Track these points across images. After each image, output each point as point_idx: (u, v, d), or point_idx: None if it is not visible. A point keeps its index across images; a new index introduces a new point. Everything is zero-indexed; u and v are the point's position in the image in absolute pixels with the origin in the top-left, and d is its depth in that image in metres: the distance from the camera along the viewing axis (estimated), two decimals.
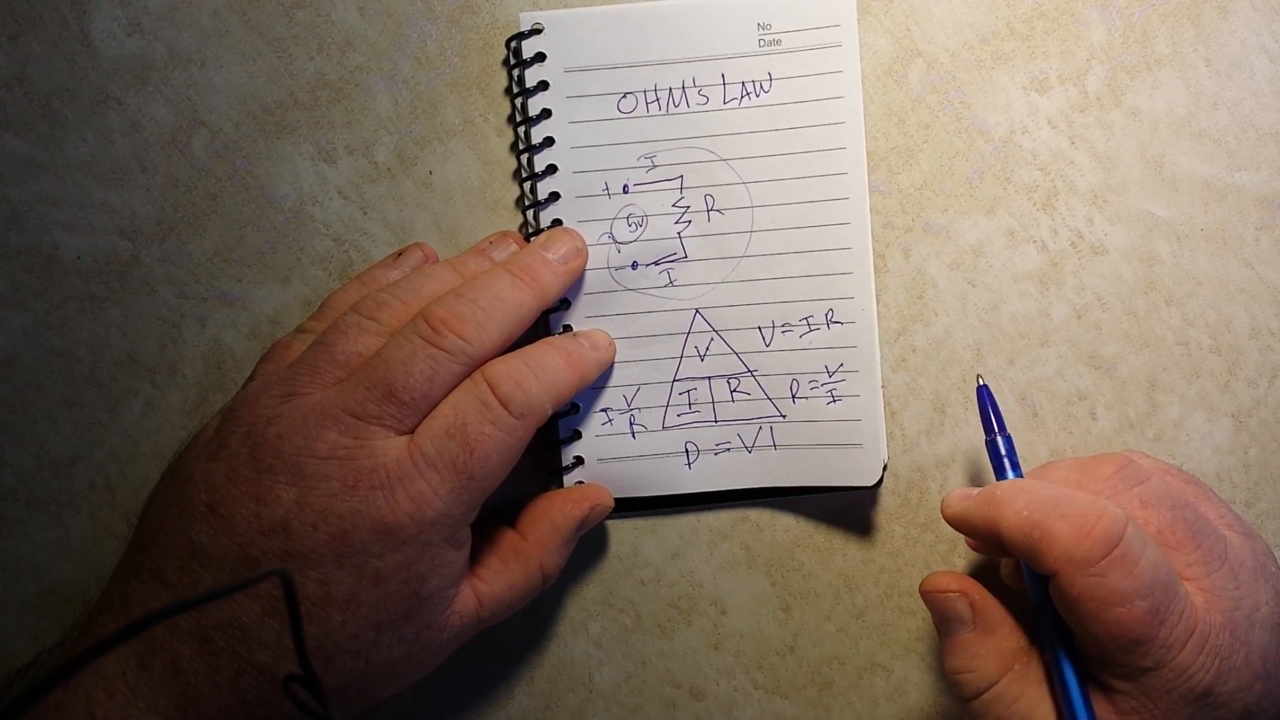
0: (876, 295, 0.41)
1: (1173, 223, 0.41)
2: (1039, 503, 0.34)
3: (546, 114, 0.40)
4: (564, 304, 0.41)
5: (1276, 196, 0.41)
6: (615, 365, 0.41)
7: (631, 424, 0.41)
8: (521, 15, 0.40)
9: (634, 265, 0.41)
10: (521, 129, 0.40)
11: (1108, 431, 0.41)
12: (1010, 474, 0.38)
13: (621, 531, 0.42)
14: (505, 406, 0.35)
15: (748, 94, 0.40)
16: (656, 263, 0.40)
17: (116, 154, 0.41)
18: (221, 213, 0.41)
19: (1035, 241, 0.41)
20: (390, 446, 0.34)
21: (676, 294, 0.41)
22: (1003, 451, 0.38)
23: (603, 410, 0.41)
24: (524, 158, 0.41)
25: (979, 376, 0.40)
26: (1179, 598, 0.32)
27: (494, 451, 0.35)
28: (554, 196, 0.40)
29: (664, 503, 0.42)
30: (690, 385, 0.41)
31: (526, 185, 0.41)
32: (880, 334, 0.41)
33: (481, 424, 0.35)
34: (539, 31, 0.40)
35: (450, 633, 0.36)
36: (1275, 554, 0.36)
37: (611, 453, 0.41)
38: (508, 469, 0.36)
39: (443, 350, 0.35)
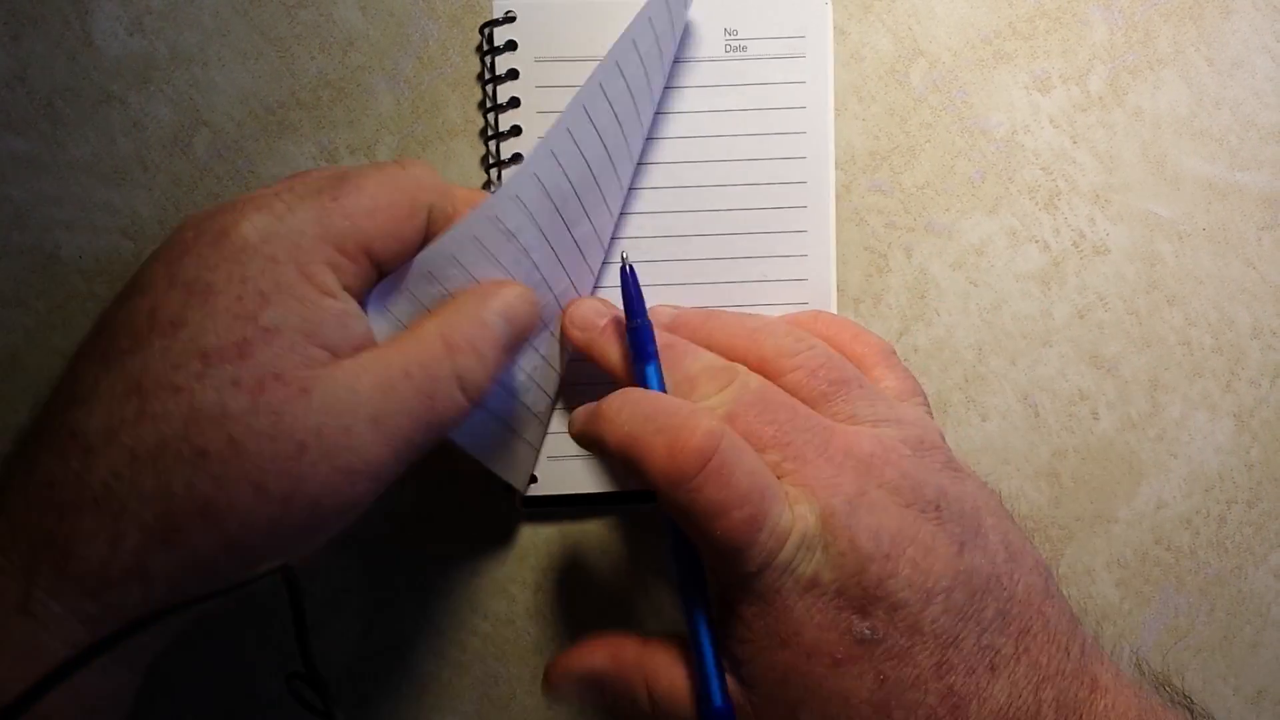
0: (879, 295, 0.41)
1: (1175, 222, 0.41)
2: (638, 417, 0.33)
3: (515, 102, 0.40)
4: None
5: (1278, 196, 0.41)
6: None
7: None
8: (495, 1, 0.40)
9: None
10: (490, 115, 0.40)
11: (1109, 431, 0.41)
12: (648, 368, 0.35)
13: (622, 531, 0.42)
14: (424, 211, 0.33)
15: (711, 97, 0.40)
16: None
17: (119, 153, 0.41)
18: None
19: (1037, 241, 0.41)
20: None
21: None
22: (641, 340, 0.36)
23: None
24: (491, 144, 0.41)
25: (624, 255, 0.37)
26: (777, 500, 0.31)
27: (371, 188, 0.32)
28: None
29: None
30: None
31: (493, 171, 0.41)
32: (882, 334, 0.41)
33: (361, 171, 0.32)
34: (512, 19, 0.40)
35: (316, 417, 0.29)
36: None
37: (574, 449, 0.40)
38: (389, 219, 0.32)
39: None
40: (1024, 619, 0.31)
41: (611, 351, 0.37)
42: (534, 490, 0.40)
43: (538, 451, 0.40)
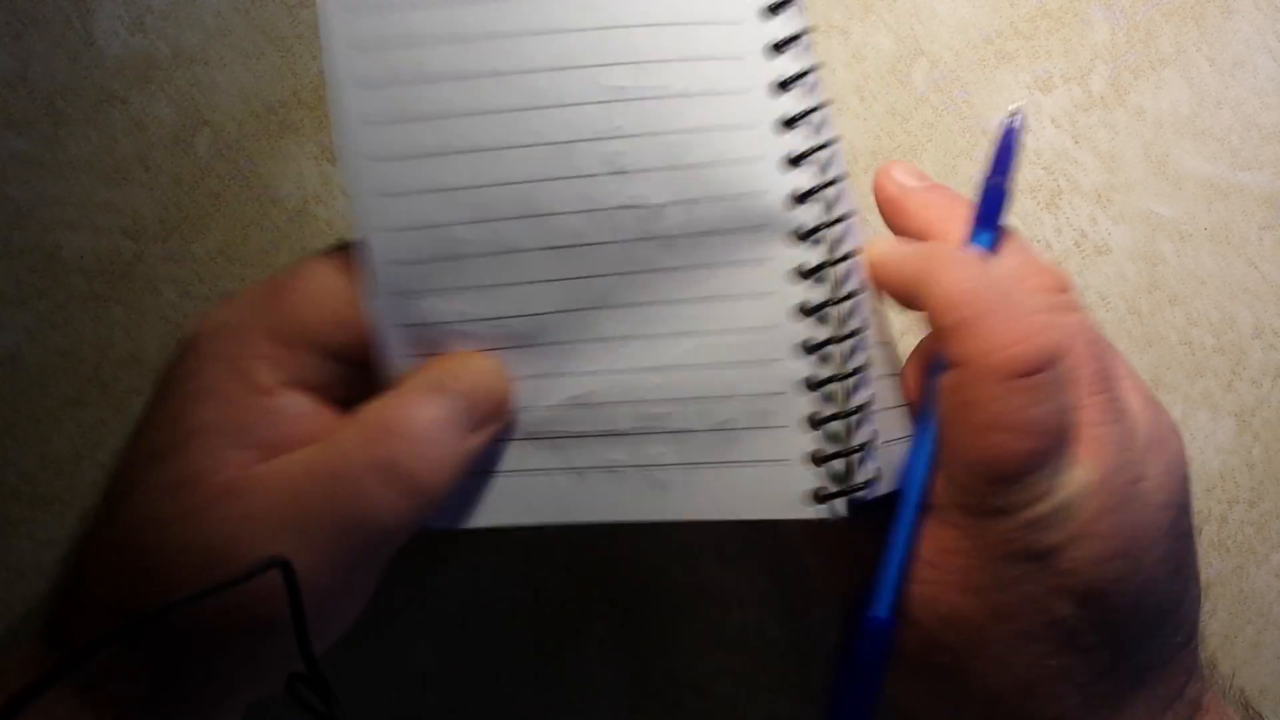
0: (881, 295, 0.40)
1: (1176, 222, 0.41)
2: (988, 284, 0.28)
3: None
4: None
5: (1279, 196, 0.41)
6: None
7: None
8: None
9: None
10: None
11: None
12: (984, 236, 0.31)
13: (622, 530, 0.42)
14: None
15: None
16: None
17: (120, 153, 0.41)
18: (225, 212, 0.41)
19: (1039, 240, 0.41)
20: None
21: None
22: (993, 202, 0.31)
23: None
24: None
25: (1021, 104, 0.32)
26: (1064, 453, 0.27)
27: (319, 275, 0.30)
28: None
29: None
30: None
31: None
32: (883, 335, 0.41)
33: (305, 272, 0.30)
34: None
35: (234, 525, 0.27)
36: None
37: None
38: (334, 306, 0.29)
39: None
40: (1172, 654, 0.29)
41: (926, 211, 0.31)
42: (878, 489, 0.30)
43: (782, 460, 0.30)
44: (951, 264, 0.29)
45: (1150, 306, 0.41)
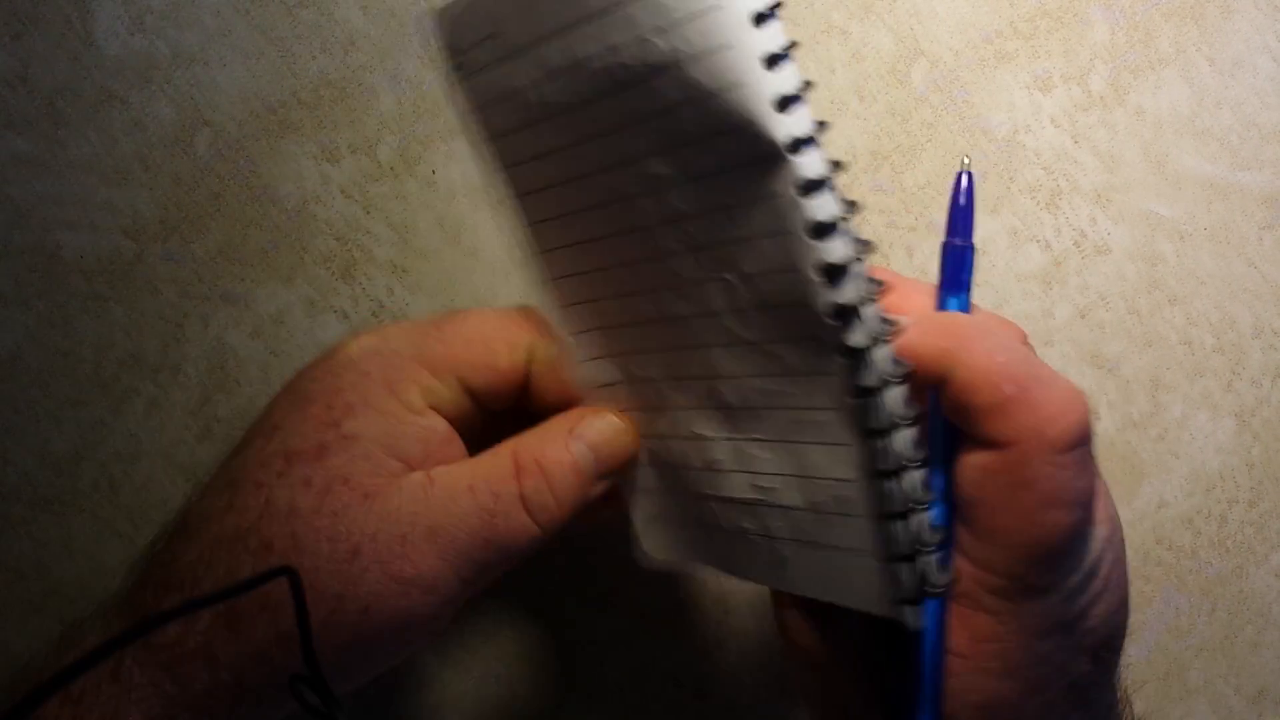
0: None
1: (1176, 222, 0.41)
2: (1017, 356, 0.26)
3: None
4: None
5: (1279, 195, 0.41)
6: None
7: None
8: None
9: None
10: None
11: (1111, 431, 0.42)
12: (954, 300, 0.29)
13: (622, 530, 0.42)
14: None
15: None
16: None
17: (120, 153, 0.41)
18: (224, 212, 0.41)
19: (1039, 241, 0.41)
20: None
21: None
22: (957, 262, 0.29)
23: None
24: None
25: (966, 159, 0.30)
26: (1092, 517, 0.27)
27: (472, 321, 0.33)
28: None
29: None
30: None
31: None
32: None
33: (467, 315, 0.33)
34: None
35: (375, 523, 0.29)
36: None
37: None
38: (484, 349, 0.32)
39: None
40: (1117, 685, 0.31)
41: (916, 295, 0.29)
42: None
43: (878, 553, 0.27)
44: (977, 337, 0.27)
45: (1150, 306, 0.41)
